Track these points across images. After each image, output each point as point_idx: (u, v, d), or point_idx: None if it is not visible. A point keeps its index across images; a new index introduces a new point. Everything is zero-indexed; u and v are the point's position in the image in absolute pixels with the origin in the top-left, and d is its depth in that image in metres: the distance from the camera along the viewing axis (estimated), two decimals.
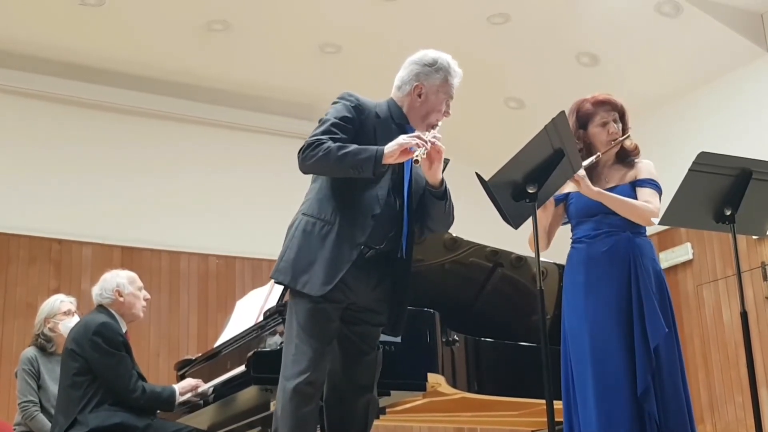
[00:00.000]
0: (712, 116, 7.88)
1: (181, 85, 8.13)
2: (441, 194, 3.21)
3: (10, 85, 7.52)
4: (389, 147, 3.03)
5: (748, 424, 7.10)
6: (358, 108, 3.21)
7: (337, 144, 3.06)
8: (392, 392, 3.84)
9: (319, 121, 3.21)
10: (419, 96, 3.26)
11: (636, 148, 3.68)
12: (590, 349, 3.45)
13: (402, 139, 3.05)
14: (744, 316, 3.36)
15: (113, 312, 4.29)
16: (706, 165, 3.26)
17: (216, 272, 8.05)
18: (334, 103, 3.25)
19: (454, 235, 4.46)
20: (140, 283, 4.43)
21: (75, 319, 4.87)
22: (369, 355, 3.28)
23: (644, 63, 7.81)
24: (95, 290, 4.36)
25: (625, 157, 3.67)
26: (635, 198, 3.57)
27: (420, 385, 3.94)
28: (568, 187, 3.57)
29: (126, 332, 4.28)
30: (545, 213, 3.65)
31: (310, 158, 3.07)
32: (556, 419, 3.18)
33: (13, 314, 7.10)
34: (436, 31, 7.18)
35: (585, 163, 3.51)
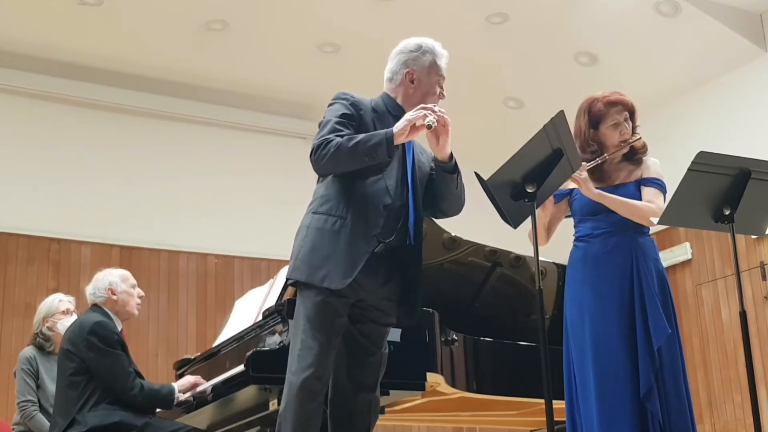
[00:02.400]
0: (711, 116, 7.88)
1: (179, 85, 8.12)
2: (452, 168, 3.21)
3: (7, 85, 7.51)
4: (398, 126, 3.02)
5: (746, 423, 7.10)
6: (355, 105, 3.21)
7: (346, 137, 3.05)
8: (391, 392, 3.82)
9: (319, 124, 3.20)
10: (412, 82, 3.26)
11: (644, 146, 3.67)
12: (592, 349, 3.45)
13: (409, 114, 3.04)
14: (743, 315, 3.35)
15: (107, 310, 4.27)
16: (705, 165, 3.25)
17: (215, 272, 8.05)
18: (330, 104, 3.24)
19: (453, 234, 4.46)
20: (133, 281, 4.41)
21: (73, 319, 4.86)
22: (374, 355, 3.26)
23: (643, 63, 7.81)
24: (89, 290, 4.35)
25: (633, 155, 3.66)
26: (639, 196, 3.56)
27: (419, 385, 3.94)
28: (570, 186, 3.56)
29: (121, 330, 4.27)
30: (544, 212, 3.65)
31: (322, 157, 3.05)
32: (556, 419, 3.17)
33: (12, 314, 7.09)
34: (434, 30, 7.08)
35: (589, 165, 3.51)
